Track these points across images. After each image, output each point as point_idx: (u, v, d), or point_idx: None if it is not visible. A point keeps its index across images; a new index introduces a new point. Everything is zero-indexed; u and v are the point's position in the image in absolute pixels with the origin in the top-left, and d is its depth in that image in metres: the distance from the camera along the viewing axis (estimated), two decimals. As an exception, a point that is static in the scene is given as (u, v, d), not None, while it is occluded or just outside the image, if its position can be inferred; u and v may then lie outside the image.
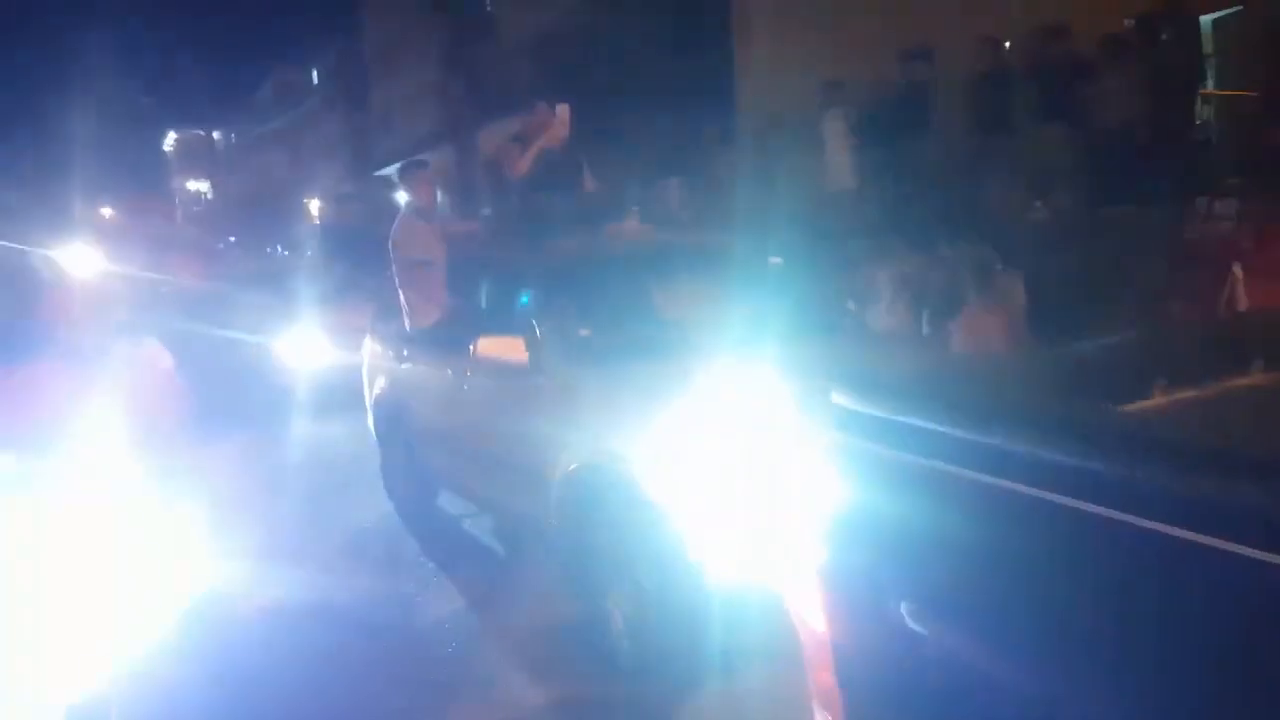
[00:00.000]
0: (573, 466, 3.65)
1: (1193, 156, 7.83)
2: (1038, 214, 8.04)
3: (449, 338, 4.81)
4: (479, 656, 3.97)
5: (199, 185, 45.61)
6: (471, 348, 4.20)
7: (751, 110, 11.85)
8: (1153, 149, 7.49)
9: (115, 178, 33.12)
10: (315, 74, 34.49)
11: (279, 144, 37.10)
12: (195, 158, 44.61)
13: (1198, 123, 8.15)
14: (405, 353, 5.50)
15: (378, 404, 5.86)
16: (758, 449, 3.04)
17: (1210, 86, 8.36)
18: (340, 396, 7.15)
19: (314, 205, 29.39)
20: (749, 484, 3.07)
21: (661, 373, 3.68)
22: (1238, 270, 5.36)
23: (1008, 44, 8.52)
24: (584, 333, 4.21)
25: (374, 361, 6.05)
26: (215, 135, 45.00)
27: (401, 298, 5.36)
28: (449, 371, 4.77)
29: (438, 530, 5.55)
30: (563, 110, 5.68)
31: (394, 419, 5.56)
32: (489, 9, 21.81)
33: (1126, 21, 9.55)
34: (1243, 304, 5.30)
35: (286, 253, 22.47)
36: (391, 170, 26.74)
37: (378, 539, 5.53)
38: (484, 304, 4.83)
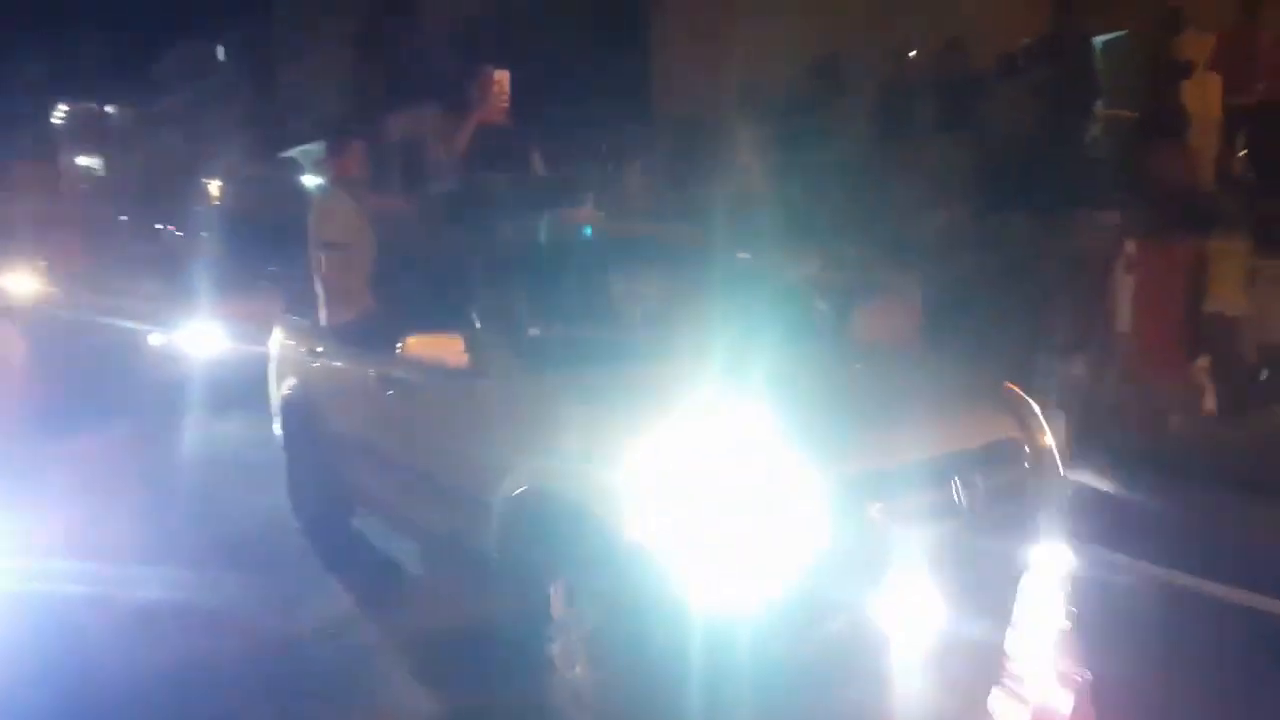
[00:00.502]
0: (519, 490, 3.12)
1: (1080, 170, 8.27)
2: (936, 219, 8.37)
3: (373, 334, 4.16)
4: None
5: (90, 160, 43.40)
6: (399, 346, 3.43)
7: (667, 110, 11.99)
8: (1043, 161, 7.88)
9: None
10: (221, 49, 33.27)
11: (179, 120, 35.60)
12: (87, 131, 42.41)
13: (1086, 139, 8.60)
14: (320, 349, 4.79)
15: (286, 405, 5.15)
16: (743, 470, 2.65)
17: (1098, 106, 8.82)
18: (240, 393, 6.45)
19: (215, 186, 28.36)
20: (735, 514, 2.61)
21: (625, 381, 3.24)
22: (1118, 276, 5.70)
23: (912, 54, 8.83)
24: (534, 332, 3.71)
25: (283, 357, 5.34)
26: (110, 109, 42.89)
27: (318, 286, 4.72)
28: (372, 373, 4.13)
29: (351, 552, 4.82)
30: (502, 78, 5.02)
31: (305, 423, 4.92)
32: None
33: (1023, 40, 10.04)
34: (1121, 306, 5.65)
35: (181, 234, 21.31)
36: (297, 151, 26.08)
37: (270, 548, 4.84)
38: (416, 296, 4.18)
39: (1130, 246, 5.69)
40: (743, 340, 3.40)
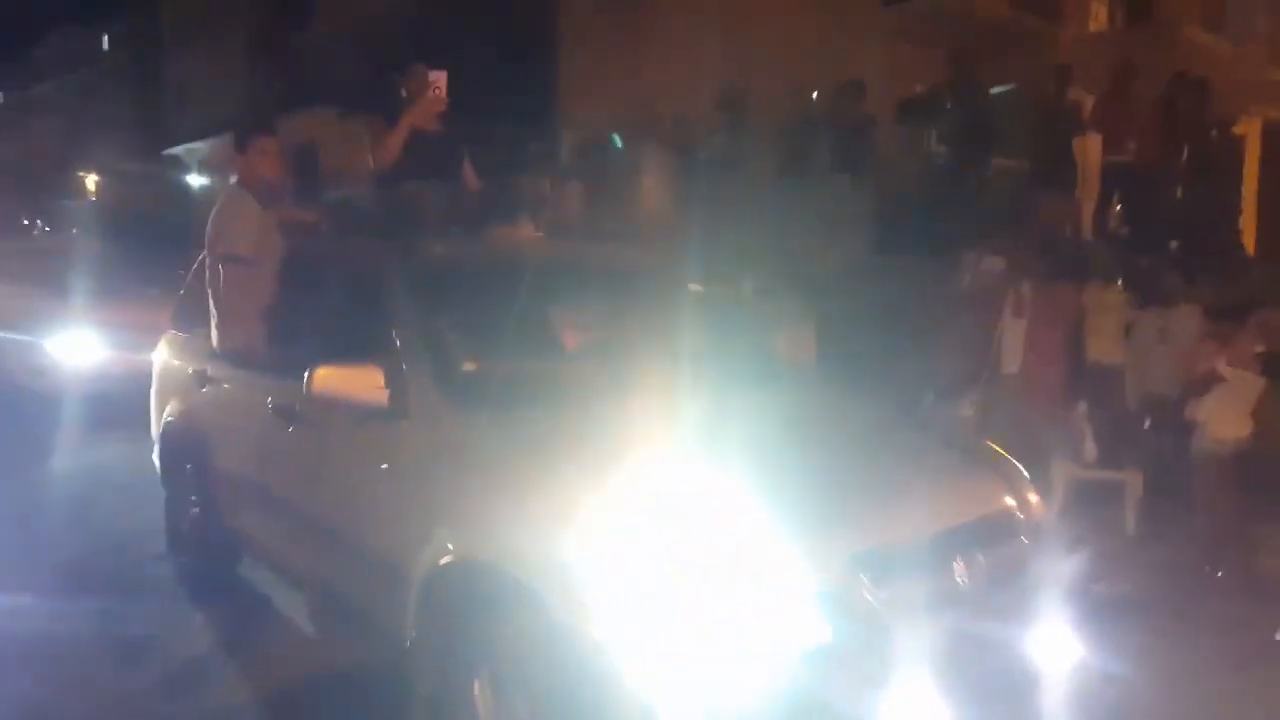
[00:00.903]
0: (443, 559, 2.60)
1: (969, 215, 8.51)
2: (831, 256, 8.47)
3: (275, 360, 3.64)
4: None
5: (-48, 146, 40.56)
6: (306, 377, 2.86)
7: (572, 134, 11.86)
8: (935, 205, 8.09)
9: None
10: (105, 38, 31.60)
11: (54, 109, 33.58)
12: (-52, 113, 39.67)
13: (977, 185, 8.88)
14: (210, 372, 4.15)
15: (167, 433, 4.50)
16: (715, 547, 2.22)
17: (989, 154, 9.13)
18: (121, 411, 5.60)
19: (91, 180, 26.83)
20: (704, 601, 2.16)
21: (574, 429, 2.74)
22: (1005, 319, 5.81)
23: (814, 94, 8.97)
24: (467, 366, 3.17)
25: (167, 376, 4.68)
26: (-24, 91, 40.23)
27: (212, 302, 4.06)
28: (270, 405, 3.50)
29: (231, 603, 4.19)
30: (439, 79, 4.35)
31: (187, 455, 4.29)
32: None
33: (917, 86, 10.36)
34: (1008, 349, 5.76)
35: (49, 229, 19.77)
36: (182, 149, 24.92)
37: (136, 592, 4.28)
38: (328, 320, 3.60)
39: (1022, 290, 5.79)
40: (709, 384, 3.05)
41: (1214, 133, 8.50)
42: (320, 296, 3.74)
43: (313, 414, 3.24)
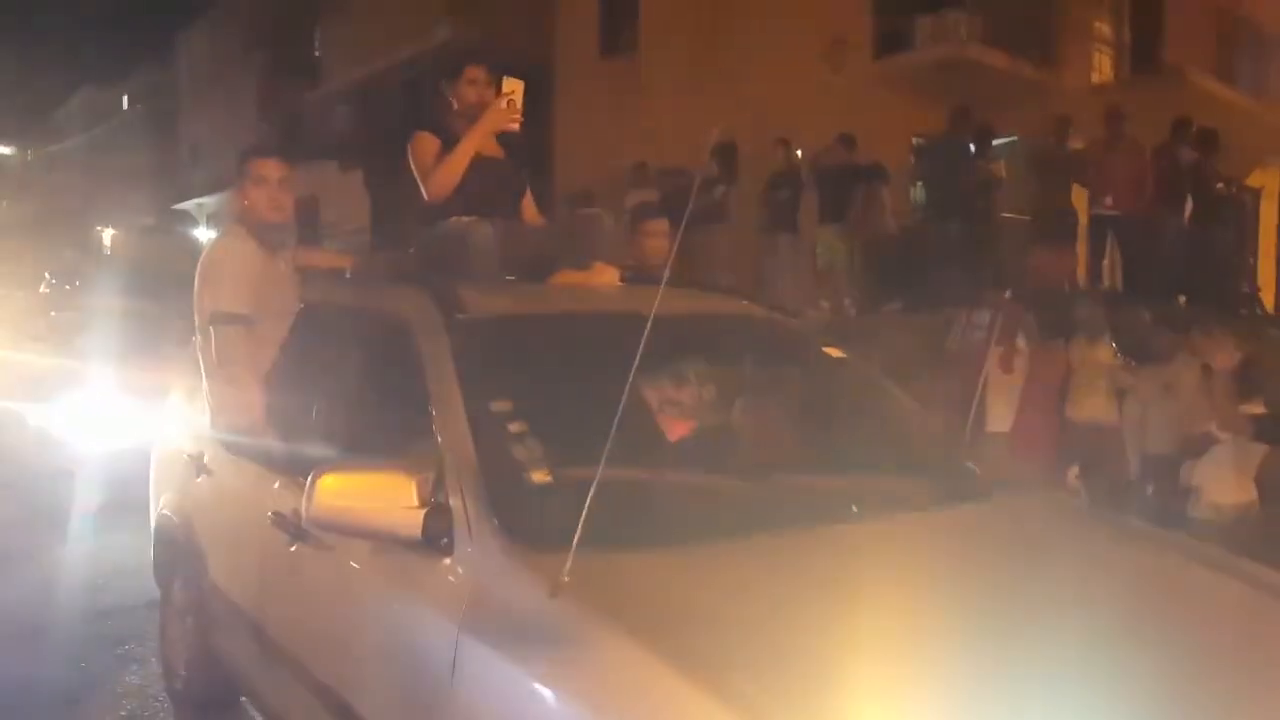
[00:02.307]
0: None
1: (961, 269, 8.18)
2: (819, 310, 8.16)
3: (281, 454, 2.79)
4: None
5: (-25, 201, 41.48)
6: (308, 485, 2.01)
7: (564, 182, 11.72)
8: (925, 258, 7.76)
9: None
10: (125, 97, 32.28)
11: (73, 166, 34.28)
12: (-24, 170, 40.63)
13: (969, 237, 8.57)
14: (207, 459, 3.26)
15: (160, 531, 3.67)
16: None
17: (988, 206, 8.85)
18: (132, 489, 4.37)
19: (106, 234, 27.14)
20: None
21: (721, 577, 1.84)
22: (991, 376, 5.45)
23: (799, 152, 8.77)
24: (539, 478, 2.06)
25: (164, 458, 3.82)
26: (3, 149, 41.23)
27: (204, 371, 3.11)
28: (270, 513, 2.60)
29: None
30: (513, 87, 3.25)
31: (181, 562, 3.42)
32: (315, 53, 21.09)
33: (915, 139, 10.11)
34: (994, 406, 5.40)
35: (55, 281, 19.63)
36: (192, 204, 25.18)
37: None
38: (347, 398, 2.77)
39: (1015, 345, 5.47)
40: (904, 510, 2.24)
41: (1221, 184, 8.16)
42: (338, 364, 2.86)
43: (320, 532, 2.26)
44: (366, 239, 15.79)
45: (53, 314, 10.01)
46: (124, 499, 4.69)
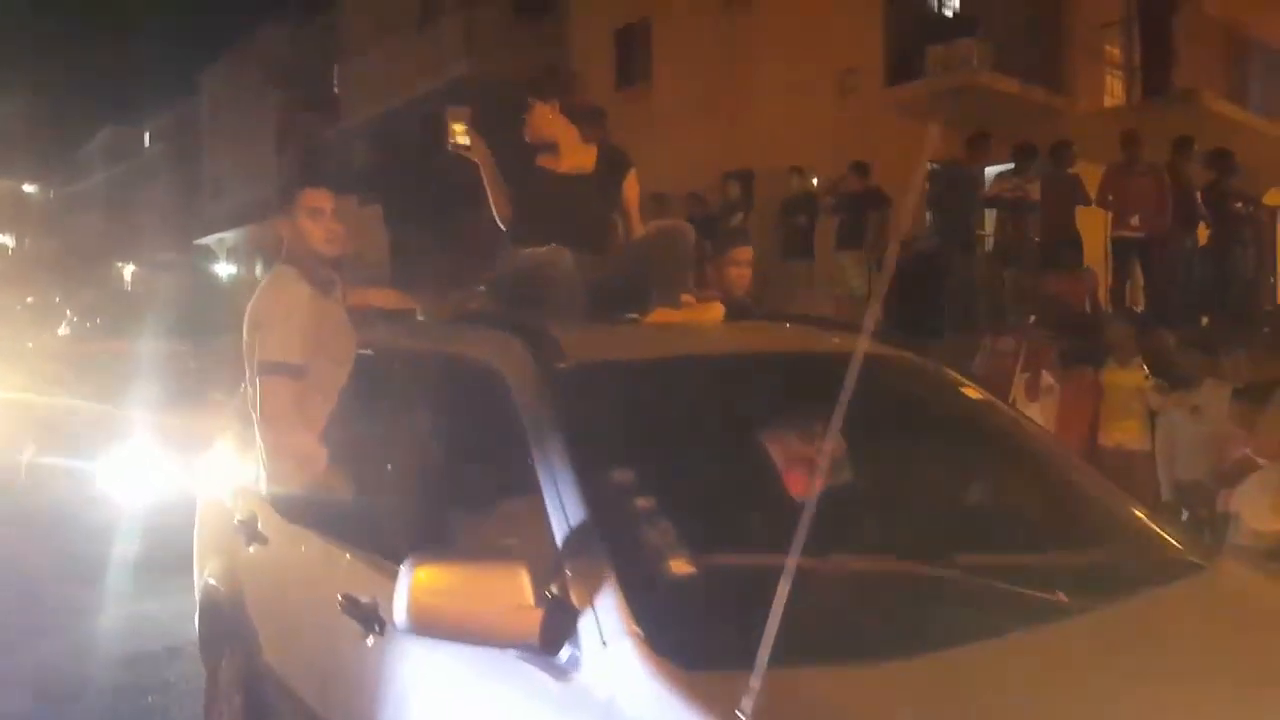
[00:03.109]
0: None
1: (986, 296, 8.19)
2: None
3: (346, 521, 2.46)
4: None
5: (3, 238, 42.23)
6: (400, 585, 1.65)
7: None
8: (945, 286, 7.78)
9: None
10: (147, 135, 32.83)
11: (96, 204, 34.81)
12: (2, 209, 41.31)
13: (990, 265, 8.59)
14: (260, 525, 2.86)
15: (206, 602, 3.26)
16: None
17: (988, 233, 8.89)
18: (176, 550, 3.86)
19: (126, 271, 27.51)
20: None
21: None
22: (1017, 403, 5.44)
23: (815, 180, 8.84)
24: (679, 569, 1.68)
25: (209, 521, 3.44)
26: (28, 187, 41.91)
27: (258, 426, 2.76)
28: (340, 599, 2.20)
29: None
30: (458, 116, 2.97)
31: (230, 636, 3.02)
32: (334, 90, 21.39)
33: (929, 165, 10.16)
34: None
35: (94, 322, 19.43)
36: (213, 239, 25.50)
37: None
38: (435, 467, 2.37)
39: (1042, 372, 5.48)
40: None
41: (1239, 204, 8.17)
42: (412, 421, 2.45)
43: (393, 626, 1.88)
44: (386, 273, 15.92)
45: (89, 360, 9.27)
46: (165, 558, 4.28)
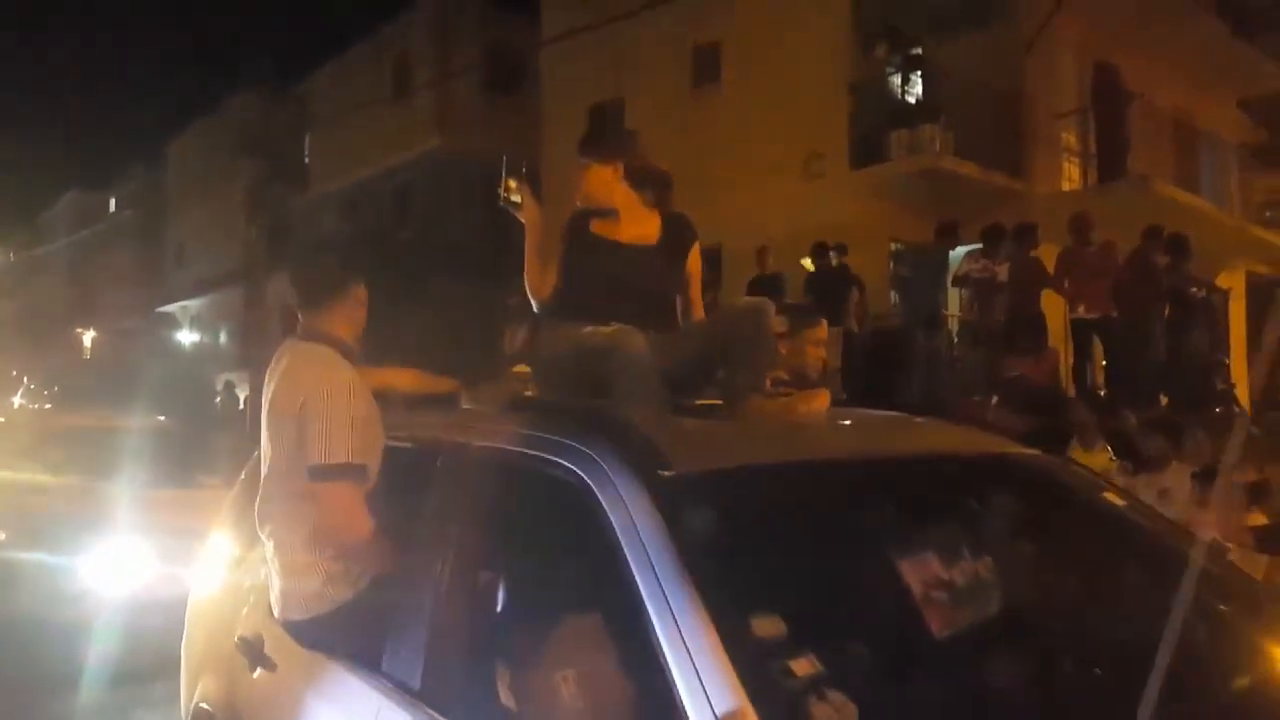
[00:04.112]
0: None
1: (950, 374, 8.25)
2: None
3: (381, 654, 2.04)
4: None
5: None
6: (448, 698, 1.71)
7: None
8: (908, 363, 7.84)
9: None
10: (112, 201, 32.63)
11: (59, 268, 34.35)
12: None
13: (958, 345, 8.68)
14: (267, 647, 2.41)
15: None
16: None
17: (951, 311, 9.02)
18: (162, 654, 3.33)
19: (87, 337, 27.03)
20: None
21: None
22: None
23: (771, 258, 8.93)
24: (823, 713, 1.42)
25: (200, 632, 2.98)
26: (-12, 251, 41.37)
27: (270, 548, 2.31)
28: None
29: None
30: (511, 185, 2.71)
31: None
32: (305, 160, 21.49)
33: (893, 244, 10.36)
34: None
35: (51, 390, 18.93)
36: (176, 307, 25.18)
37: None
38: (494, 595, 2.09)
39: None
40: None
41: (1195, 288, 8.37)
42: (462, 535, 2.03)
43: None
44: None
45: (42, 427, 8.16)
46: (150, 664, 3.66)
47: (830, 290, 8.38)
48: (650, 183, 2.77)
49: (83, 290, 31.53)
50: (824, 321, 3.28)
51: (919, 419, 2.52)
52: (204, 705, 2.70)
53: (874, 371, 7.58)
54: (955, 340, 8.88)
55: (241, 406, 17.35)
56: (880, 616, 1.67)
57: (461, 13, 17.34)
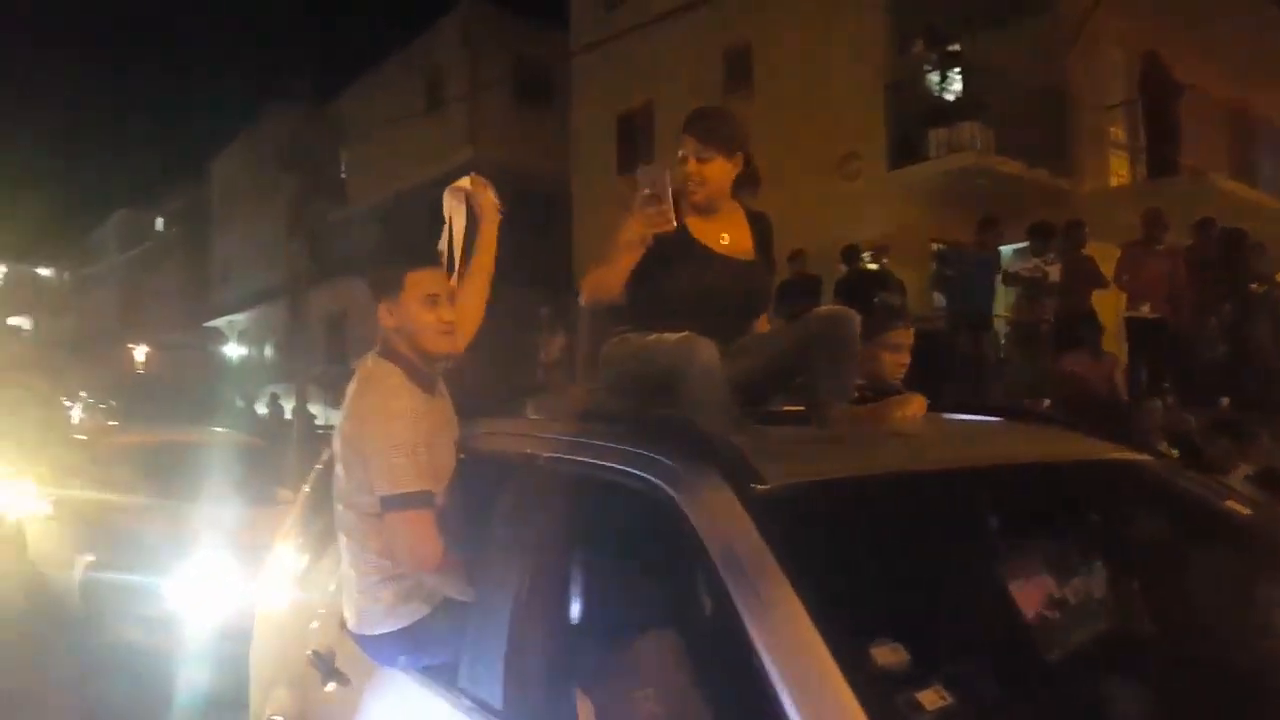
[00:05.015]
0: None
1: (996, 377, 7.97)
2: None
3: (458, 671, 2.03)
4: None
5: (20, 320, 42.71)
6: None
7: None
8: (952, 367, 7.58)
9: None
10: (160, 220, 33.32)
11: (110, 285, 35.18)
12: (19, 292, 41.92)
13: (1008, 347, 8.40)
14: (338, 660, 2.41)
15: None
16: None
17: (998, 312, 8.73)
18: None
19: (140, 352, 27.57)
20: None
21: None
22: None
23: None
24: None
25: (271, 644, 2.94)
26: (43, 271, 42.51)
27: (350, 567, 2.26)
28: None
29: None
30: (651, 178, 2.27)
31: None
32: (341, 174, 21.70)
33: (934, 245, 10.07)
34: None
35: (108, 404, 19.05)
36: (223, 321, 25.58)
37: None
38: (562, 603, 1.97)
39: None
40: None
41: (1254, 284, 7.99)
42: (536, 549, 1.97)
43: None
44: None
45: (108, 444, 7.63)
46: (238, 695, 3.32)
47: (863, 294, 8.14)
48: (752, 183, 2.55)
49: (133, 306, 32.24)
50: (904, 324, 3.01)
51: (1021, 423, 2.35)
52: (277, 718, 2.69)
53: (917, 376, 7.33)
54: (1003, 341, 8.60)
55: (288, 417, 17.57)
56: (1000, 637, 1.57)
57: (490, 25, 17.41)
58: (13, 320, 41.46)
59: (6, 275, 42.34)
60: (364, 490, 2.16)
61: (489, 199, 2.52)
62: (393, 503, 2.09)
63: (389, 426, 2.12)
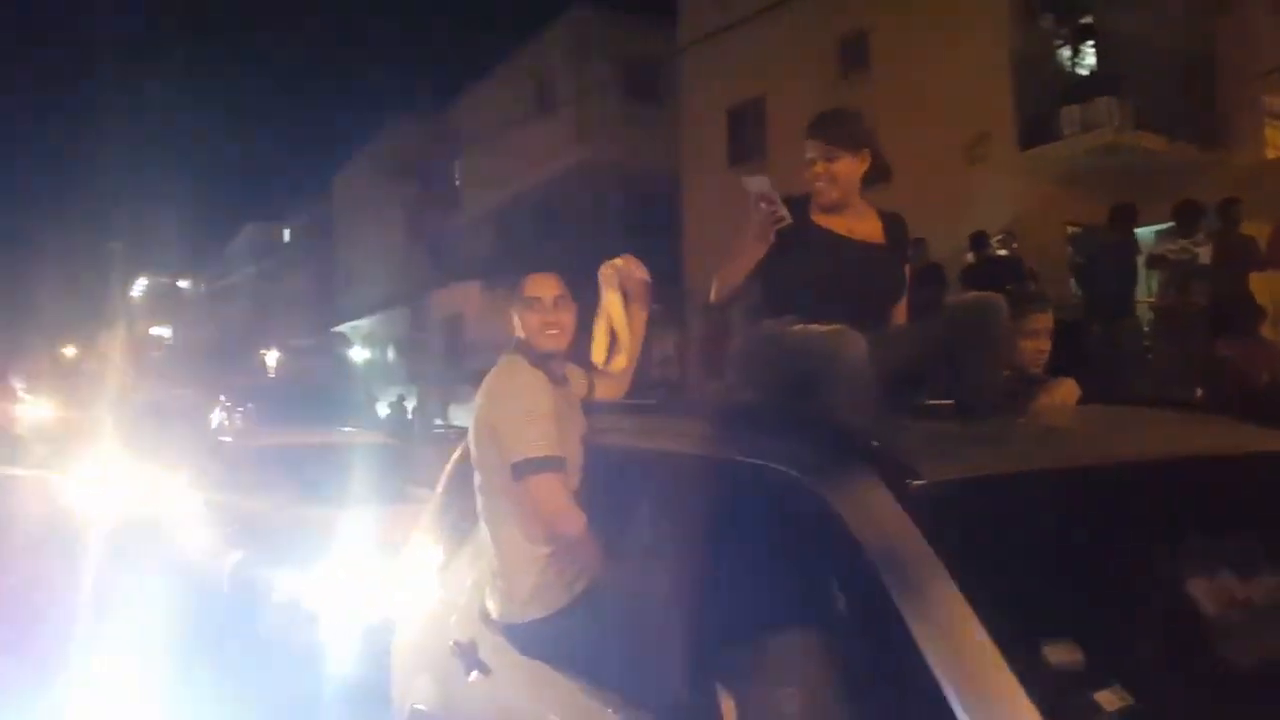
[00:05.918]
0: None
1: (1141, 363, 7.53)
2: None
3: (604, 665, 2.00)
4: None
5: (162, 330, 45.45)
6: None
7: (696, 290, 11.65)
8: (1089, 357, 7.17)
9: (77, 319, 33.15)
10: (286, 232, 34.93)
11: (242, 295, 37.11)
12: (160, 303, 44.63)
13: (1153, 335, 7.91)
14: (482, 651, 2.40)
15: None
16: None
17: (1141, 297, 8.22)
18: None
19: (272, 356, 28.94)
20: None
21: None
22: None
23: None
24: None
25: (413, 634, 2.97)
26: (182, 283, 45.12)
27: (501, 533, 2.32)
28: None
29: None
30: (758, 186, 2.37)
31: None
32: (456, 183, 22.23)
33: (1070, 229, 9.56)
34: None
35: (230, 404, 19.81)
36: (347, 327, 26.58)
37: None
38: (717, 609, 1.86)
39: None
40: None
41: None
42: (675, 548, 1.98)
43: None
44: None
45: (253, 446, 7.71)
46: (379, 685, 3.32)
47: (992, 283, 7.76)
48: (883, 176, 2.50)
49: (262, 314, 33.87)
50: (1044, 309, 2.87)
51: (1186, 414, 2.22)
52: (420, 707, 2.72)
53: (1054, 368, 6.95)
54: (1147, 329, 8.08)
55: (409, 417, 18.12)
56: (1179, 637, 1.46)
57: (598, 25, 17.48)
58: (155, 330, 44.12)
59: (149, 288, 45.10)
60: (499, 470, 2.26)
61: (640, 277, 2.69)
62: (524, 468, 2.19)
63: (519, 400, 2.29)
